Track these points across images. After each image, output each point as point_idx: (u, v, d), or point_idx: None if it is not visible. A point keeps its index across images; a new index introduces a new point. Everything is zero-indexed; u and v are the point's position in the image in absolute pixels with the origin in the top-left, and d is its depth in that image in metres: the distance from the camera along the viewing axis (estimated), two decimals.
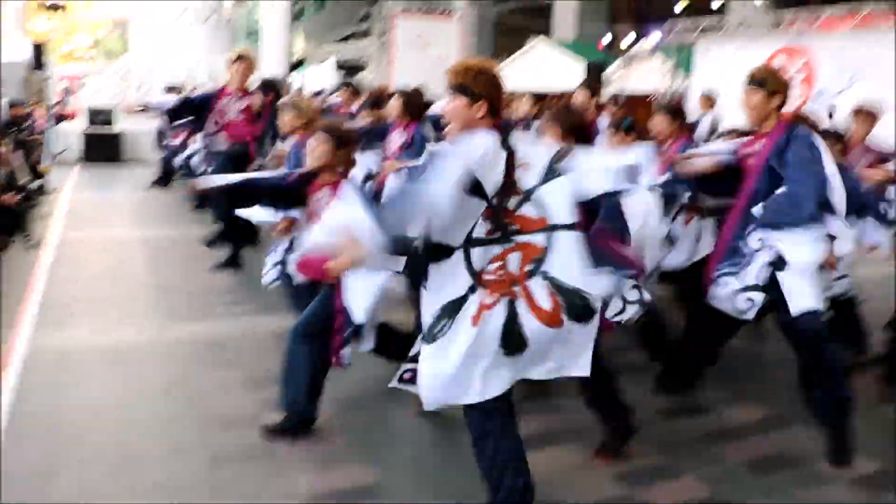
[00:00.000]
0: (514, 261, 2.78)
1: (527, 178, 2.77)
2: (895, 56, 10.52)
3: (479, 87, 2.79)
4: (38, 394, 4.24)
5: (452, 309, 2.76)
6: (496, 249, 2.76)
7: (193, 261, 7.37)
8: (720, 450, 3.89)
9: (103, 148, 15.10)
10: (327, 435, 3.87)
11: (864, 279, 6.39)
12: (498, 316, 2.76)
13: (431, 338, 2.80)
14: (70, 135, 15.98)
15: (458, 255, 2.74)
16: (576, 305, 2.79)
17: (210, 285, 6.47)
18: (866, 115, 6.03)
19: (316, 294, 4.00)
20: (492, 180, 2.67)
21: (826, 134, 4.68)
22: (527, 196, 2.77)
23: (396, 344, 3.97)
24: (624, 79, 17.72)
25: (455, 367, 2.77)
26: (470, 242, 2.73)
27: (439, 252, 2.74)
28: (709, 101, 9.88)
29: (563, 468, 3.69)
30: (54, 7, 16.36)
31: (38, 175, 11.20)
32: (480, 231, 2.73)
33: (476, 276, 2.75)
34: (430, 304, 2.81)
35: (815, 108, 5.76)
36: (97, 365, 4.74)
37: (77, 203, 10.65)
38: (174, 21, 19.98)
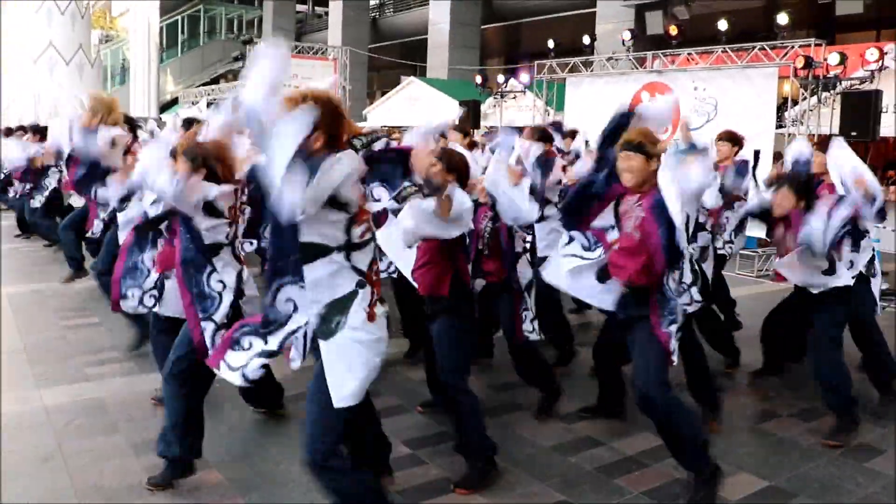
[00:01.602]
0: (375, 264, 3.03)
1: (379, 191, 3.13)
2: (745, 91, 11.31)
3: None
4: None
5: (342, 306, 2.87)
6: (370, 252, 2.95)
7: (63, 317, 6.95)
8: (619, 481, 3.97)
9: None
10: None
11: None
12: (381, 311, 2.98)
13: (328, 333, 2.88)
14: None
15: (338, 257, 2.85)
16: None
17: (81, 345, 6.10)
18: (726, 141, 6.41)
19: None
20: (350, 194, 2.82)
21: None
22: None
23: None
24: (498, 115, 18.17)
25: (364, 360, 2.90)
26: (350, 247, 2.87)
27: (315, 252, 2.83)
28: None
29: None
30: None
31: None
32: (356, 236, 2.88)
33: (364, 274, 2.91)
34: (310, 302, 2.88)
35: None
36: None
37: None
38: (33, 63, 18.98)
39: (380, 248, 4.25)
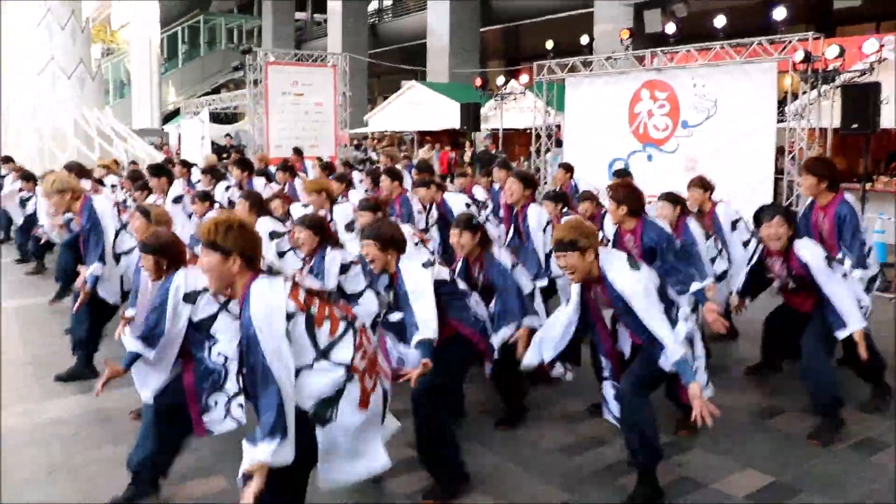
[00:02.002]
0: (368, 344, 3.08)
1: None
2: (745, 87, 11.30)
3: (229, 242, 2.82)
4: None
5: (332, 398, 2.93)
6: (350, 340, 2.97)
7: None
8: (623, 480, 3.97)
9: None
10: None
11: None
12: (378, 395, 3.06)
13: (324, 422, 2.94)
14: None
15: (320, 364, 2.90)
16: None
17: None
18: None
19: None
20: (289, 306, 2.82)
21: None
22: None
23: None
24: (499, 117, 18.18)
25: (362, 445, 3.03)
26: (323, 354, 2.90)
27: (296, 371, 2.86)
28: (568, 171, 9.91)
29: None
30: None
31: None
32: (324, 337, 2.90)
33: (349, 367, 2.94)
34: (301, 395, 2.88)
35: None
36: None
37: None
38: (37, 75, 19.05)
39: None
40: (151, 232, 4.28)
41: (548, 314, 4.91)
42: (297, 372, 2.84)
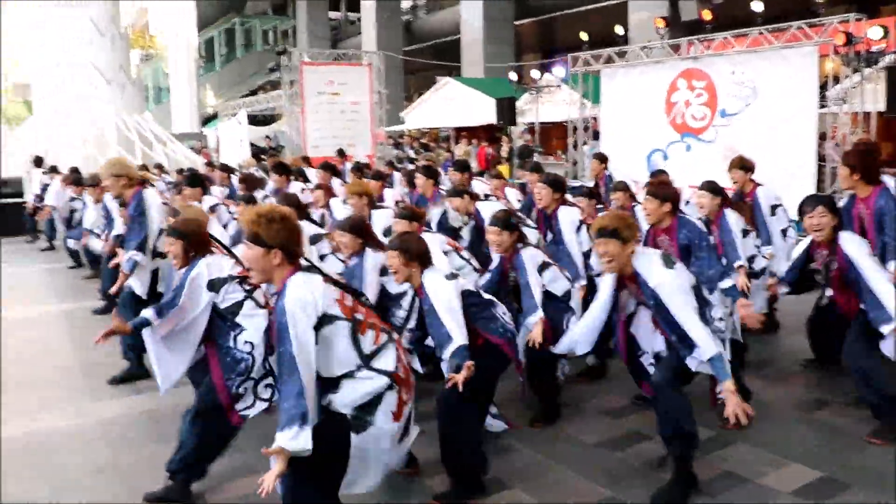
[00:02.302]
0: (405, 356, 3.12)
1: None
2: (785, 73, 11.09)
3: (271, 236, 2.87)
4: None
5: (371, 404, 2.95)
6: (392, 350, 3.02)
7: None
8: (666, 476, 3.92)
9: (13, 220, 14.42)
10: None
11: None
12: (407, 410, 3.10)
13: (360, 429, 2.96)
14: None
15: (362, 373, 2.94)
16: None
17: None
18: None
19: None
20: (330, 309, 2.86)
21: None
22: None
23: None
24: (535, 110, 18.11)
25: (385, 455, 3.05)
26: (366, 361, 2.95)
27: (338, 380, 2.93)
28: (602, 161, 9.88)
29: None
30: None
31: None
32: (368, 344, 2.94)
33: (391, 374, 2.98)
34: (343, 402, 2.95)
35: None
36: (22, 456, 4.49)
37: None
38: (77, 84, 19.43)
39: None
40: (179, 217, 4.34)
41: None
42: (339, 380, 2.88)
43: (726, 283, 4.64)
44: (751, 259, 5.69)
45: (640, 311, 3.97)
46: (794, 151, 10.92)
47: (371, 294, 4.69)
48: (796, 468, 4.01)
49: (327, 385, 2.91)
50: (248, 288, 3.79)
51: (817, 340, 5.42)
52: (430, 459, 3.99)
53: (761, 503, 3.68)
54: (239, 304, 3.78)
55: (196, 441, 3.79)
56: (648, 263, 3.68)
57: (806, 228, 4.59)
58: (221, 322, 3.78)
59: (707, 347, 3.49)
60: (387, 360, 2.96)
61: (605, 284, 3.97)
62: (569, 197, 5.91)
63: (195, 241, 3.95)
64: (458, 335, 3.63)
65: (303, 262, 2.96)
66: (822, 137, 12.01)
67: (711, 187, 5.62)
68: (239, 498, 3.87)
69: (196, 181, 7.72)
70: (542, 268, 4.64)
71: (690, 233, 4.67)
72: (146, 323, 3.82)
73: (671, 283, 3.60)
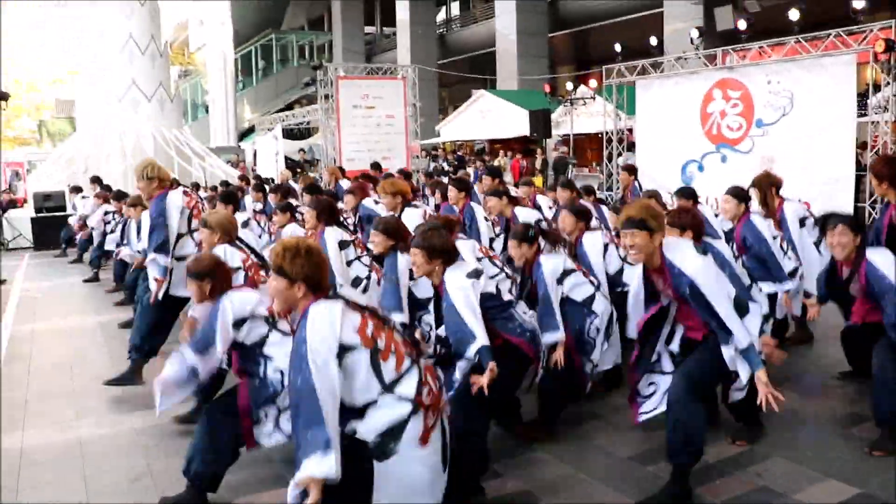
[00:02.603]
0: (433, 381, 3.01)
1: None
2: (823, 82, 10.93)
3: (296, 270, 2.86)
4: None
5: (395, 431, 2.86)
6: (415, 375, 2.93)
7: None
8: (699, 491, 3.86)
9: (54, 233, 14.75)
10: None
11: None
12: (437, 434, 2.97)
13: (383, 456, 2.87)
14: (22, 221, 15.76)
15: (385, 399, 2.85)
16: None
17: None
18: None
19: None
20: (350, 338, 2.79)
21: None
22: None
23: None
24: (569, 122, 18.06)
25: (418, 483, 2.92)
26: (388, 388, 2.86)
27: (361, 409, 2.86)
28: (631, 173, 9.87)
29: None
30: (2, 97, 16.11)
31: None
32: (389, 371, 2.86)
33: (413, 400, 2.89)
34: (367, 429, 2.87)
35: None
36: (57, 464, 4.58)
37: (28, 293, 10.42)
38: (118, 101, 19.86)
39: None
40: (193, 258, 4.40)
41: (622, 326, 4.88)
42: (364, 409, 2.84)
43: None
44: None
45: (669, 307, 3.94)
46: (832, 161, 10.73)
47: (402, 294, 4.70)
48: (833, 484, 3.91)
49: (351, 414, 2.87)
50: (271, 320, 3.80)
51: (853, 352, 5.30)
52: None
53: None
54: (264, 339, 3.80)
55: (208, 450, 3.82)
56: (681, 252, 3.64)
57: (828, 246, 4.54)
58: (249, 351, 3.81)
59: (742, 336, 3.48)
60: (409, 386, 2.90)
61: (637, 274, 3.96)
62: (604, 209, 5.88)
63: (213, 279, 4.03)
64: (481, 334, 3.62)
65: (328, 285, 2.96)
66: (863, 147, 11.79)
67: (735, 192, 5.55)
68: None
69: (230, 199, 7.83)
70: (563, 276, 4.63)
71: (716, 257, 4.59)
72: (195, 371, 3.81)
73: (707, 270, 3.58)
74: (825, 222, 4.56)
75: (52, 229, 14.78)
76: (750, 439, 4.46)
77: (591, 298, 4.73)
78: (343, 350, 2.75)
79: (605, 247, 5.46)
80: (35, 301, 9.81)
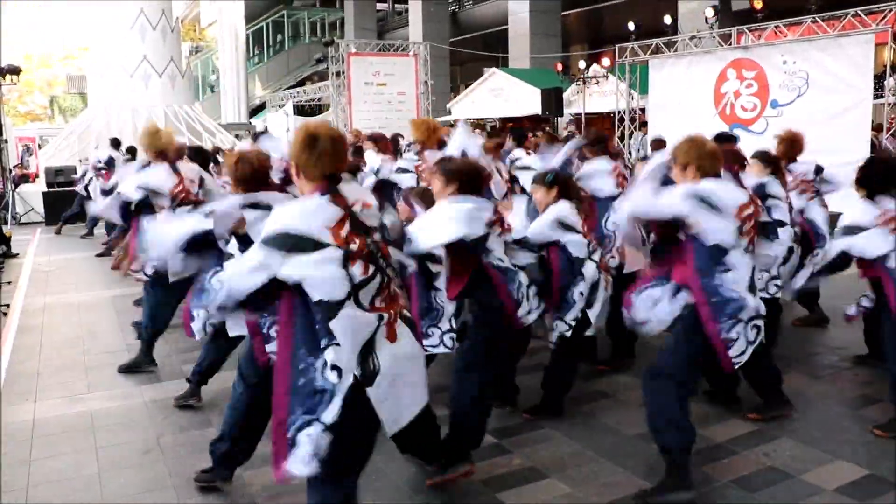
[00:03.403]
0: (394, 285, 2.91)
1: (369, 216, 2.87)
2: (839, 62, 10.80)
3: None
4: (10, 471, 4.12)
5: (370, 346, 2.76)
6: (376, 284, 2.80)
7: None
8: (706, 469, 3.87)
9: (66, 208, 14.77)
10: None
11: None
12: (404, 327, 2.89)
13: (371, 378, 2.74)
14: (34, 196, 15.83)
15: (350, 307, 2.70)
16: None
17: (180, 344, 6.32)
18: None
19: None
20: (324, 232, 2.66)
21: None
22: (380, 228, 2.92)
23: None
24: (581, 101, 17.94)
25: (407, 385, 2.87)
26: (356, 288, 2.72)
27: (329, 309, 2.69)
28: (660, 144, 9.80)
29: (552, 499, 3.66)
30: (13, 71, 16.14)
31: (2, 240, 11.05)
32: (357, 275, 2.72)
33: (376, 307, 2.80)
34: (344, 354, 2.70)
35: None
36: (69, 436, 4.62)
37: (40, 266, 10.48)
38: (130, 77, 19.85)
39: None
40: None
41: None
42: (335, 316, 2.68)
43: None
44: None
45: None
46: (847, 142, 10.62)
47: None
48: (841, 465, 3.91)
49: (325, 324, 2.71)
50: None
51: (872, 334, 5.26)
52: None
53: (803, 500, 3.60)
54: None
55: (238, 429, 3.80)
56: None
57: None
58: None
59: None
60: (368, 294, 2.77)
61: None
62: None
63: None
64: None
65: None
66: (879, 129, 11.67)
67: (763, 156, 5.59)
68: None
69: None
70: (566, 227, 4.54)
71: None
72: None
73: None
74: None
75: (63, 204, 14.81)
76: (764, 415, 4.47)
77: (582, 262, 4.58)
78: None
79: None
80: (47, 275, 9.86)
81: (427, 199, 4.67)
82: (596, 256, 4.76)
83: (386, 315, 2.81)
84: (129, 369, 5.81)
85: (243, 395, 3.79)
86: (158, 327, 5.85)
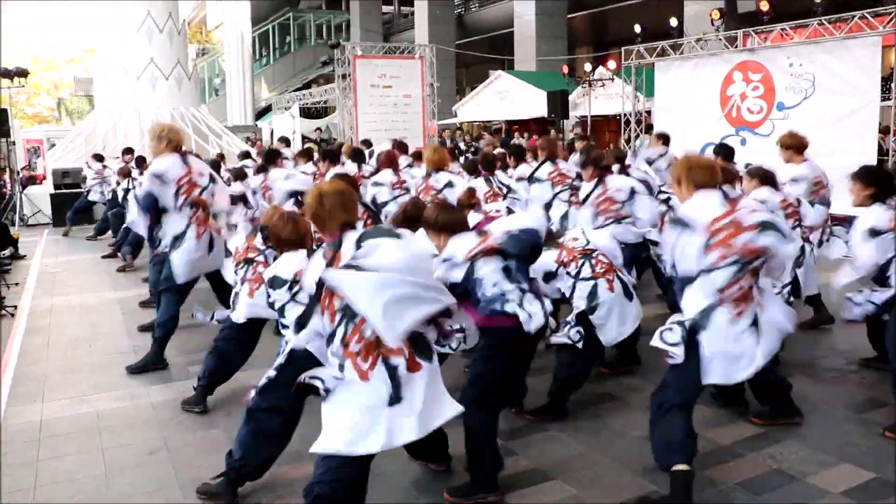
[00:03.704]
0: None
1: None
2: (846, 65, 10.77)
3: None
4: (16, 472, 4.14)
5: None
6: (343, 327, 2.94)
7: None
8: (712, 472, 3.87)
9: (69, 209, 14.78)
10: None
11: None
12: (380, 369, 2.93)
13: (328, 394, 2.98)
14: (41, 198, 15.88)
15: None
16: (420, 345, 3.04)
17: (185, 346, 6.34)
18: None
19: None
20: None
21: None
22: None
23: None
24: (587, 104, 17.93)
25: (358, 417, 2.91)
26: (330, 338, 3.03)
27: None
28: (662, 139, 9.79)
29: (558, 501, 3.66)
30: (21, 73, 16.19)
31: (10, 241, 11.09)
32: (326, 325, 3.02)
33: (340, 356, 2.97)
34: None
35: None
36: (75, 437, 4.64)
37: (47, 268, 10.51)
38: (136, 79, 19.90)
39: None
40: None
41: None
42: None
43: None
44: None
45: None
46: (853, 145, 10.59)
47: None
48: (847, 468, 3.90)
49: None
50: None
51: (878, 337, 5.24)
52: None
53: (809, 503, 3.59)
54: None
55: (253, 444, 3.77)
56: None
57: None
58: None
59: None
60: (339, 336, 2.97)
61: None
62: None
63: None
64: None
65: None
66: (886, 132, 11.63)
67: (756, 172, 5.59)
68: (283, 483, 3.91)
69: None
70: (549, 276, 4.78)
71: None
72: None
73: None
74: None
75: (70, 206, 14.83)
76: (771, 421, 4.46)
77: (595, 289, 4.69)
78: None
79: None
80: (54, 276, 9.89)
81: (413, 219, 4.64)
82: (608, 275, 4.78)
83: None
84: (139, 370, 5.83)
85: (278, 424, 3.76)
86: (171, 329, 5.90)
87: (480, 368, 3.77)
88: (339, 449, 2.91)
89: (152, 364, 5.86)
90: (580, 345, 4.55)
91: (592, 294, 4.69)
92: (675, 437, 3.50)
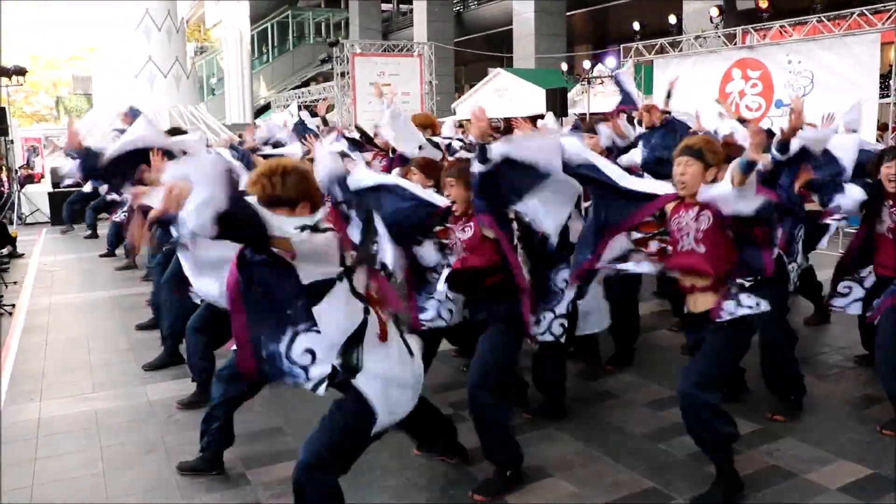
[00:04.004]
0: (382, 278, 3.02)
1: None
2: (845, 62, 10.77)
3: (287, 192, 2.76)
4: (15, 470, 4.14)
5: (356, 338, 2.79)
6: (363, 271, 2.86)
7: None
8: (710, 469, 3.85)
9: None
10: None
11: None
12: (392, 328, 2.92)
13: (353, 371, 2.79)
14: (39, 196, 15.88)
15: (341, 288, 2.75)
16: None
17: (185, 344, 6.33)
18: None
19: None
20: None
21: None
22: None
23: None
24: (586, 101, 17.93)
25: (390, 384, 2.87)
26: (349, 271, 2.79)
27: (319, 289, 2.72)
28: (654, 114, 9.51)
29: (557, 499, 3.66)
30: (19, 72, 16.17)
31: (8, 240, 11.09)
32: (350, 257, 2.80)
33: (365, 298, 2.84)
34: (326, 344, 2.75)
35: None
36: (74, 435, 4.64)
37: (45, 266, 10.51)
38: (135, 78, 19.89)
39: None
40: None
41: None
42: (322, 297, 2.73)
43: None
44: None
45: None
46: None
47: None
48: (844, 465, 3.90)
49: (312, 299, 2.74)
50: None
51: (869, 335, 5.25)
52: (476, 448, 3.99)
53: (807, 499, 3.59)
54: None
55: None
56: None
57: (882, 178, 4.49)
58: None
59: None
60: (360, 281, 2.84)
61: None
62: None
63: None
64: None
65: None
66: (884, 129, 11.62)
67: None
68: (282, 480, 3.91)
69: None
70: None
71: None
72: None
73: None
74: (884, 153, 4.54)
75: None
76: (788, 413, 4.49)
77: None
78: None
79: None
80: (52, 275, 9.89)
81: (427, 168, 4.57)
82: None
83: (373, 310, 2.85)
84: (154, 368, 5.82)
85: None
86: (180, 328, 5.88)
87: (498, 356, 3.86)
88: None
89: (168, 362, 5.86)
90: (563, 339, 4.37)
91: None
92: None
